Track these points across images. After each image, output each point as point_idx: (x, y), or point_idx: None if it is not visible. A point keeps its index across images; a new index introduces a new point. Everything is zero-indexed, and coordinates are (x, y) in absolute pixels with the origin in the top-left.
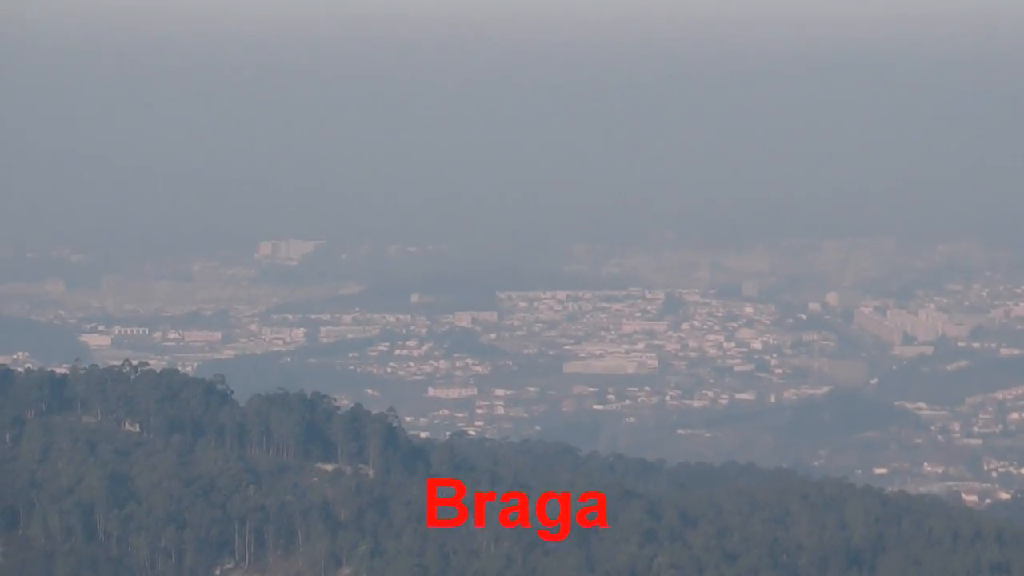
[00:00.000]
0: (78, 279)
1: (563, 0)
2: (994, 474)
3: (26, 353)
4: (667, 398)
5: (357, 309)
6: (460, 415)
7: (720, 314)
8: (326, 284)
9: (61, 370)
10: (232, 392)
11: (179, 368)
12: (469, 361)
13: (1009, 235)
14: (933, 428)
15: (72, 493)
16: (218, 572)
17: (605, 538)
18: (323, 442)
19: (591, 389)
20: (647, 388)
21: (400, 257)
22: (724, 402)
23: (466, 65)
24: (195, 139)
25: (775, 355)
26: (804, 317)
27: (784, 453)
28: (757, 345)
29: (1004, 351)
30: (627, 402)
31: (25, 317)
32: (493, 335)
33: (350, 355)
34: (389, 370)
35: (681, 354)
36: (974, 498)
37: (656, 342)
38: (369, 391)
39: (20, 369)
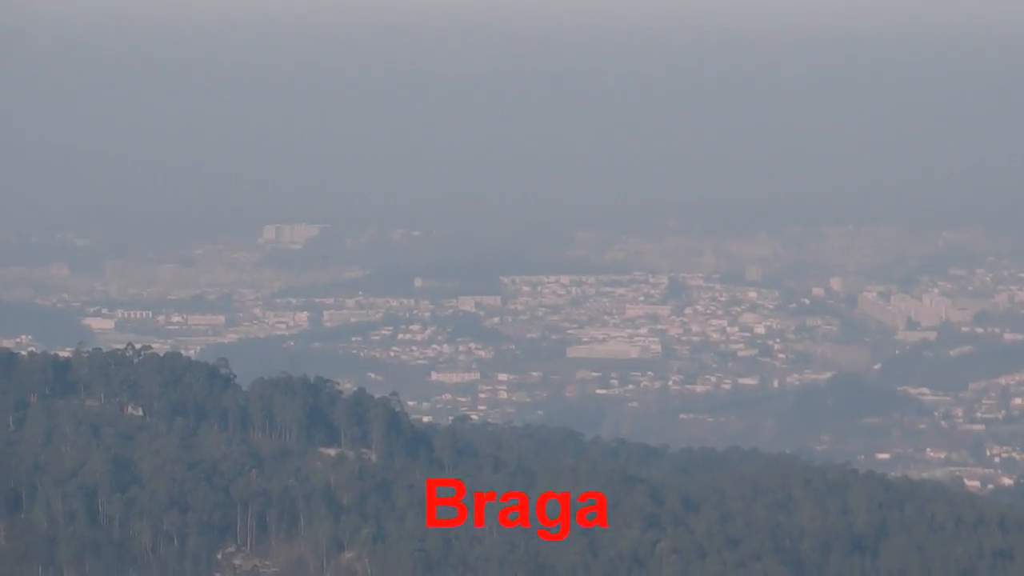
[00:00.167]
0: (82, 263)
1: None
2: (997, 460)
3: (30, 337)
4: (670, 383)
5: (360, 293)
6: (463, 400)
7: (724, 299)
8: (330, 268)
9: (64, 354)
10: (235, 376)
11: (182, 352)
12: (472, 346)
13: (1013, 221)
14: (936, 414)
15: (75, 477)
16: (220, 556)
17: (608, 523)
18: (326, 426)
19: (594, 374)
20: (650, 373)
21: (404, 242)
22: (727, 387)
23: (470, 54)
24: (199, 126)
25: (778, 340)
26: (808, 302)
27: (787, 438)
28: (760, 330)
29: (1008, 336)
30: (630, 387)
31: (29, 301)
32: (496, 319)
33: (353, 339)
34: (392, 354)
35: (684, 339)
36: (977, 484)
37: (659, 327)
38: (372, 375)
39: (24, 353)
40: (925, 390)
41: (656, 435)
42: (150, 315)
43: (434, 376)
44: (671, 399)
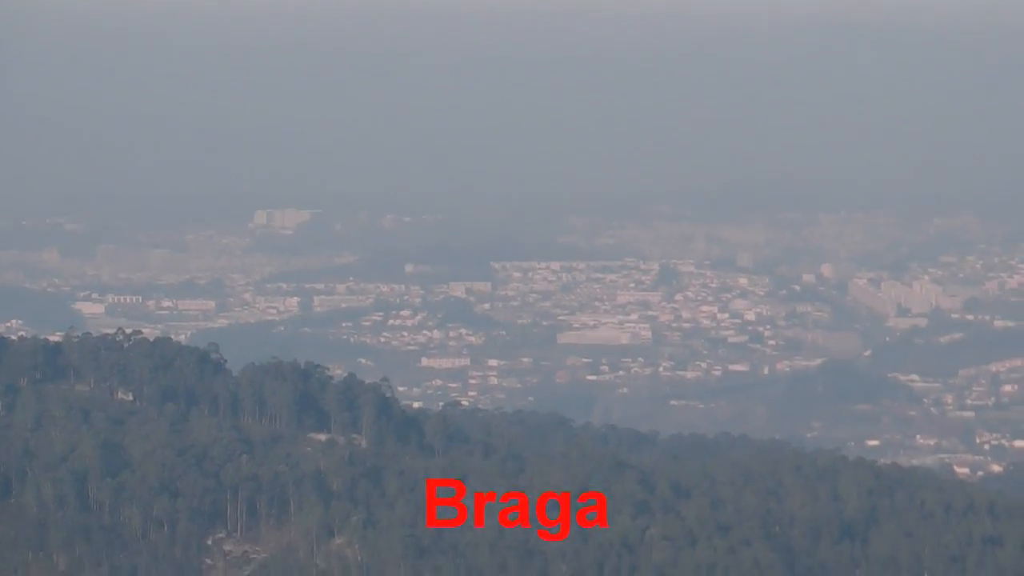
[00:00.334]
0: (73, 248)
1: None
2: (987, 447)
3: (20, 321)
4: (661, 369)
5: (351, 279)
6: (453, 385)
7: (714, 285)
8: (320, 254)
9: (55, 338)
10: (226, 361)
11: (172, 337)
12: (463, 331)
13: (1004, 208)
14: (926, 400)
15: (65, 461)
16: (210, 542)
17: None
18: (316, 412)
19: (585, 360)
20: (641, 359)
21: (395, 227)
22: (718, 373)
23: (463, 40)
24: (190, 111)
25: (769, 327)
26: (798, 289)
27: (777, 425)
28: (751, 316)
29: (998, 323)
30: (620, 373)
31: (19, 285)
32: (487, 305)
33: (344, 325)
34: (383, 340)
35: (675, 325)
36: (966, 470)
37: (650, 313)
38: (363, 361)
39: (14, 337)
40: (915, 377)
41: (646, 421)
42: (140, 300)
43: (424, 362)
44: (661, 385)
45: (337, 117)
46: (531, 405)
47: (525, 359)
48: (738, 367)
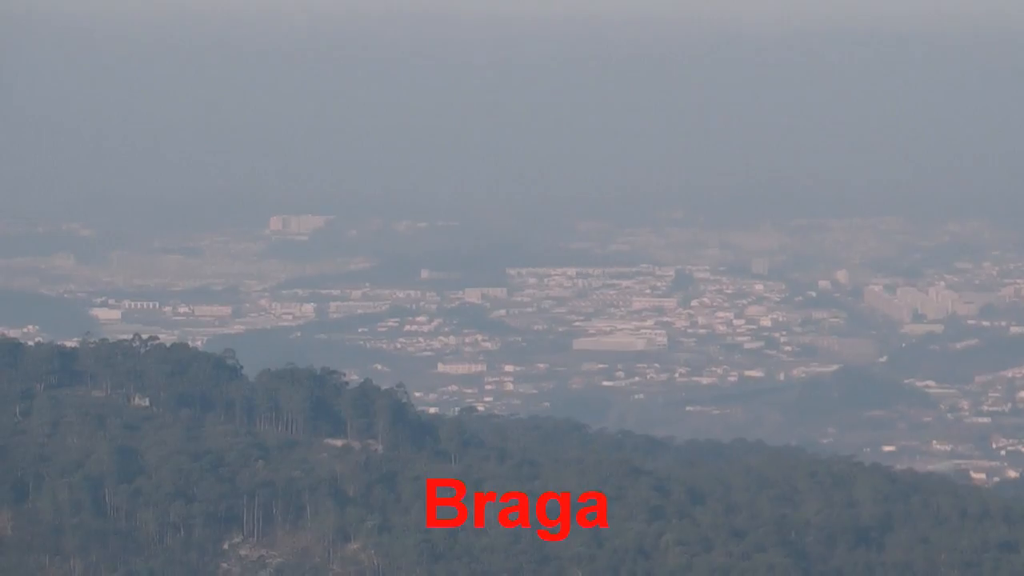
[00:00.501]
0: (88, 253)
1: None
2: (1002, 452)
3: (36, 327)
4: (676, 375)
5: (367, 285)
6: (469, 391)
7: (729, 291)
8: (336, 259)
9: (70, 344)
10: (241, 367)
11: (188, 343)
12: (478, 337)
13: (1018, 213)
14: (942, 406)
15: (81, 467)
16: (226, 547)
17: (613, 514)
18: (332, 417)
19: (600, 366)
20: (656, 365)
21: (410, 233)
22: (733, 379)
23: (476, 45)
24: (205, 115)
25: (784, 332)
26: (813, 295)
27: (793, 431)
28: (766, 322)
29: (1013, 329)
30: (636, 379)
31: (35, 291)
32: (502, 311)
33: (359, 330)
34: (398, 346)
35: (690, 331)
36: (982, 476)
37: (665, 319)
38: (378, 367)
39: (30, 343)
40: (931, 383)
41: (662, 427)
42: (156, 306)
43: (440, 368)
44: (677, 391)
45: (349, 121)
46: (546, 411)
47: (540, 365)
48: (753, 373)
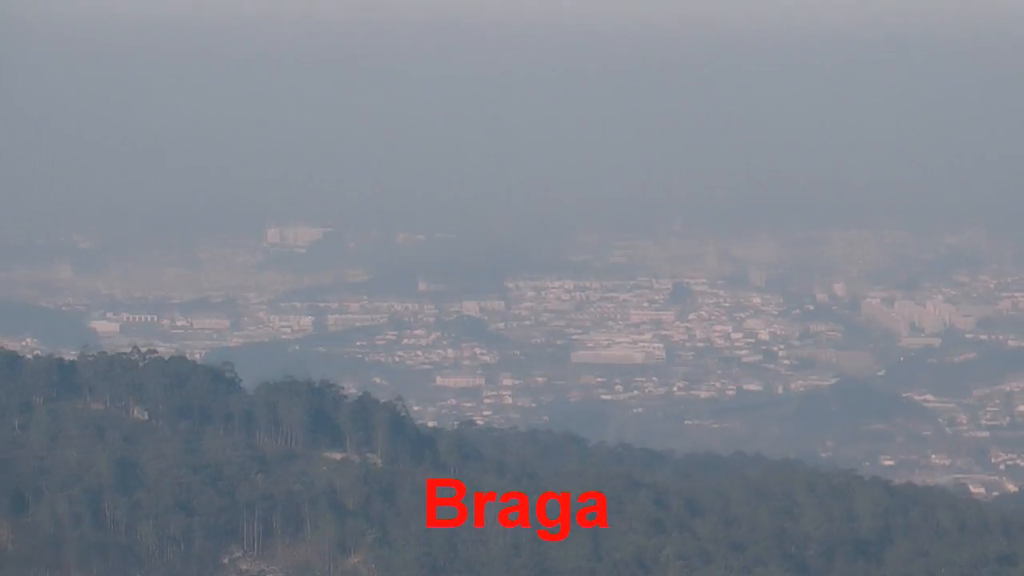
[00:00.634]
0: (86, 265)
1: None
2: (1001, 466)
3: (34, 339)
4: (674, 388)
5: (364, 297)
6: (467, 404)
7: (728, 304)
8: (334, 271)
9: (69, 356)
10: (240, 380)
11: (187, 355)
12: (477, 350)
13: (1017, 225)
14: (940, 420)
15: (80, 480)
16: (226, 560)
17: (612, 528)
18: (330, 430)
19: (598, 379)
20: (654, 378)
21: (408, 244)
22: (731, 392)
23: (472, 53)
24: (202, 126)
25: (782, 346)
26: (811, 307)
27: (791, 443)
28: (764, 335)
29: (1012, 343)
30: (634, 392)
31: (33, 303)
32: (501, 324)
33: (357, 343)
34: (396, 358)
35: (688, 344)
36: (981, 490)
37: (663, 332)
38: (376, 379)
39: (28, 355)
40: (929, 396)
41: (660, 440)
42: (155, 318)
43: (438, 380)
44: (675, 404)
45: (347, 131)
46: (545, 424)
47: (539, 378)
48: (752, 386)
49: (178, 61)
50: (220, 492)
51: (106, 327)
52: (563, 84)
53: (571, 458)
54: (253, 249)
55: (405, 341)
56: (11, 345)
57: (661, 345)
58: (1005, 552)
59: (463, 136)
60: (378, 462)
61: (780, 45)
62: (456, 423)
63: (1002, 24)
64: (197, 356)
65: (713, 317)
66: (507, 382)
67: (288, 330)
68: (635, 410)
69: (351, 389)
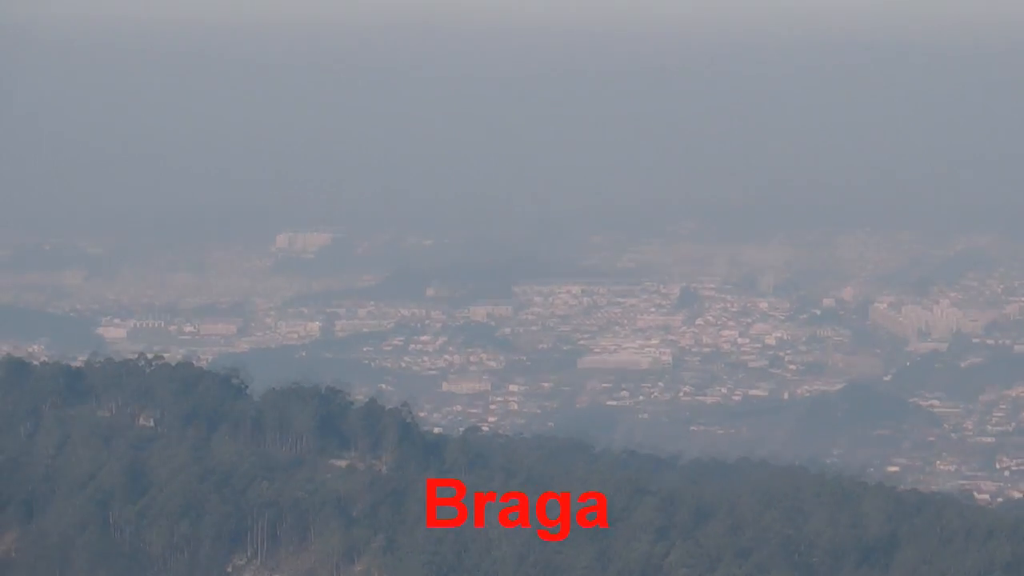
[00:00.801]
0: (95, 271)
1: None
2: (1008, 472)
3: (42, 345)
4: (681, 393)
5: (372, 302)
6: (474, 410)
7: (735, 308)
8: (342, 276)
9: (77, 363)
10: (247, 385)
11: (195, 361)
12: (484, 355)
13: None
14: (947, 425)
15: (87, 485)
16: (230, 568)
17: (618, 534)
18: (338, 436)
19: (605, 384)
20: (661, 383)
21: (416, 249)
22: (738, 398)
23: (481, 56)
24: (210, 131)
25: (790, 350)
26: (819, 312)
27: (798, 449)
28: (772, 340)
29: (1019, 347)
30: (641, 397)
31: (42, 308)
32: (508, 329)
33: (365, 349)
34: (404, 364)
35: (695, 349)
36: (987, 496)
37: (671, 337)
38: (384, 385)
39: (36, 361)
40: (936, 401)
41: (667, 445)
42: (163, 324)
43: (445, 386)
44: (682, 409)
45: (356, 135)
46: (551, 429)
47: (546, 383)
48: (758, 391)
49: (184, 65)
50: (227, 499)
51: (114, 333)
52: (570, 87)
53: (578, 463)
54: (261, 254)
55: (412, 347)
56: (19, 351)
57: (668, 350)
58: (1011, 558)
59: (471, 140)
60: (385, 468)
61: (789, 48)
62: (463, 429)
63: (1016, 27)
64: (205, 362)
65: (720, 322)
66: (514, 387)
67: (296, 336)
68: (641, 415)
69: (358, 395)
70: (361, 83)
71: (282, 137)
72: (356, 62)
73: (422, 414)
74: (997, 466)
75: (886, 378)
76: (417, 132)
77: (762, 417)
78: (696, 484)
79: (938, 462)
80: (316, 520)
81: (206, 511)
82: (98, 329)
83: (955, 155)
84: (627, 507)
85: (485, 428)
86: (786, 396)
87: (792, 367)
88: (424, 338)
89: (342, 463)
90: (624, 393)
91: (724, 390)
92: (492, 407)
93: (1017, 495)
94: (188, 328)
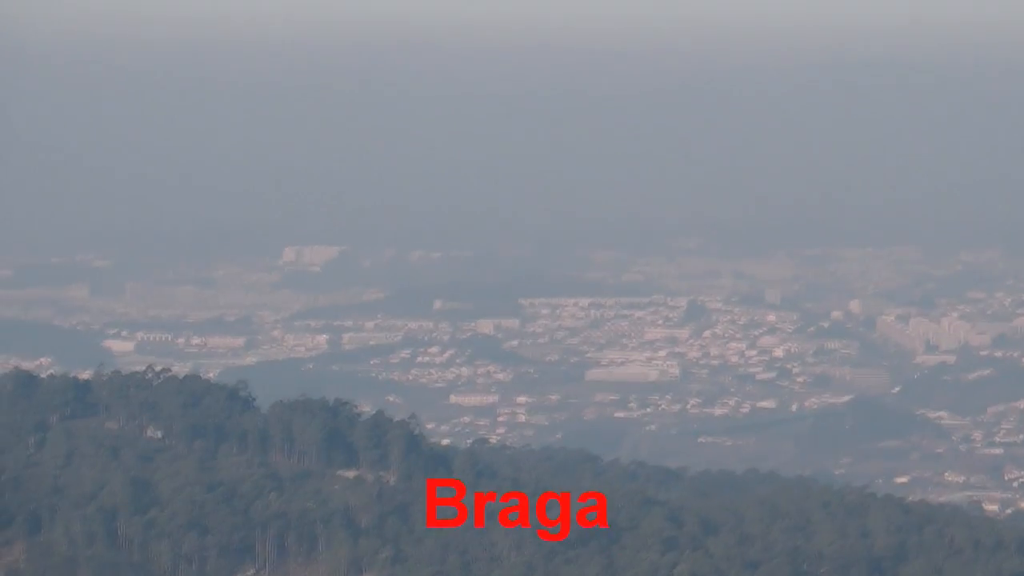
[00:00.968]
0: (102, 284)
1: (577, 5)
2: (1015, 484)
3: (50, 358)
4: (688, 406)
5: (379, 315)
6: (482, 422)
7: (742, 322)
8: (349, 290)
9: (84, 376)
10: (254, 398)
11: (202, 374)
12: (491, 368)
13: None
14: (955, 437)
15: (94, 499)
16: None
17: (626, 545)
18: (345, 449)
19: (612, 397)
20: (668, 396)
21: (423, 263)
22: (746, 410)
23: (486, 72)
24: (218, 146)
25: (797, 363)
26: (826, 325)
27: (805, 461)
28: (779, 353)
29: None
30: (648, 410)
31: (49, 322)
32: (515, 342)
33: (372, 362)
34: (411, 377)
35: (703, 362)
36: (995, 507)
37: (678, 350)
38: (391, 398)
39: (44, 375)
40: (944, 414)
41: (674, 458)
42: (170, 337)
43: (453, 399)
44: (689, 422)
45: (361, 150)
46: (559, 442)
47: (553, 396)
48: (766, 404)
49: (189, 82)
50: (234, 511)
51: (121, 346)
52: (574, 104)
53: (585, 476)
54: (268, 268)
55: (420, 359)
56: (27, 364)
57: (675, 363)
58: (1020, 570)
59: (477, 156)
60: (392, 481)
61: (792, 66)
62: (470, 441)
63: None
64: (212, 375)
65: (728, 335)
66: (521, 400)
67: (303, 349)
68: (649, 428)
69: (366, 408)
70: (366, 100)
71: (289, 153)
72: (361, 80)
73: (429, 426)
74: (1005, 478)
75: (894, 391)
76: (423, 148)
77: (770, 429)
78: (704, 496)
79: (946, 474)
80: (324, 532)
81: (213, 523)
82: (105, 342)
83: (957, 172)
84: (635, 518)
85: (493, 440)
86: (794, 408)
87: (800, 380)
88: (431, 351)
89: (350, 475)
90: (632, 405)
91: (732, 402)
92: (500, 419)
93: None
94: (195, 341)
